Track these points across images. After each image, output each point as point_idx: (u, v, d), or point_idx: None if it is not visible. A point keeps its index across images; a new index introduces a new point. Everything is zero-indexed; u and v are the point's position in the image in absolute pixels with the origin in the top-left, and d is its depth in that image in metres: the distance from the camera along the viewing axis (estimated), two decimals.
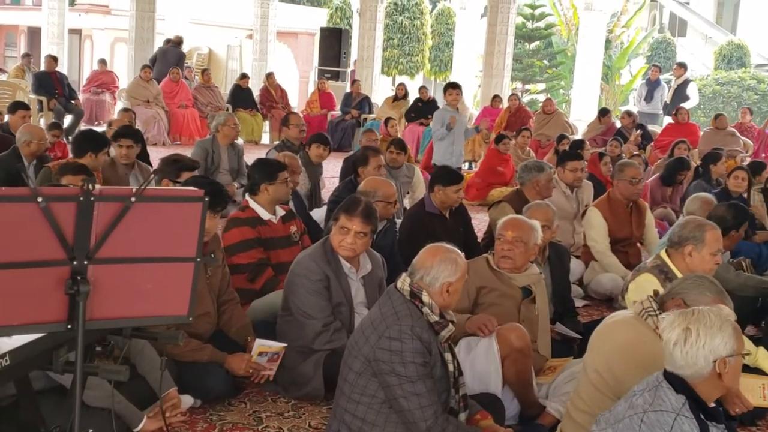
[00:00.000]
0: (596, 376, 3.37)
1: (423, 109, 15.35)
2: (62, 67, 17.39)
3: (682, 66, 16.74)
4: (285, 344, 4.23)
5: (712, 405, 2.78)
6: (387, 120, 12.03)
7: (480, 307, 4.32)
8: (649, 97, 16.16)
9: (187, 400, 4.00)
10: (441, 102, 17.25)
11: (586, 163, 9.25)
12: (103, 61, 18.05)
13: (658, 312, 3.33)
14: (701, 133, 13.43)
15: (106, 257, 2.21)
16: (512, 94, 16.60)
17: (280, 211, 5.33)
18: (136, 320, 2.37)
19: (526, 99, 24.66)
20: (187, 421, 3.90)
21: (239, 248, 5.04)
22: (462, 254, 3.42)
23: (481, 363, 3.97)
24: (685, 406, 2.69)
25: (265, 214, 5.20)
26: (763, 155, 12.75)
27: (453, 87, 10.70)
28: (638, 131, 13.09)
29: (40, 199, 2.10)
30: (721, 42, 30.31)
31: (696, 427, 2.66)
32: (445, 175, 6.11)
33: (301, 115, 10.90)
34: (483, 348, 3.98)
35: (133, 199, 2.19)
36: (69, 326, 2.25)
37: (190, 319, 2.39)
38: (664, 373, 2.79)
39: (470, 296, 4.29)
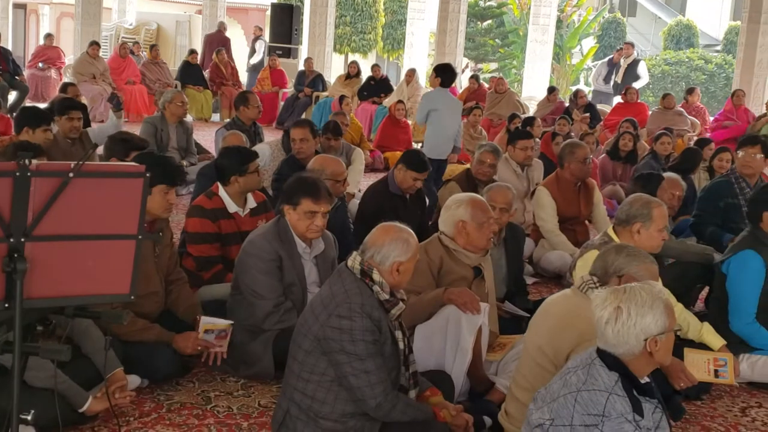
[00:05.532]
0: (537, 352, 3.40)
1: (375, 88, 15.31)
2: (7, 43, 17.03)
3: (631, 45, 16.92)
4: (231, 321, 4.19)
5: (645, 380, 2.81)
6: (341, 98, 11.94)
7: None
8: (608, 78, 16.32)
9: (134, 381, 3.95)
10: (394, 81, 17.27)
11: (538, 141, 9.31)
12: (49, 36, 17.68)
13: (598, 285, 3.38)
14: (650, 112, 13.59)
15: (44, 234, 2.15)
16: (472, 76, 16.66)
17: (252, 202, 5.12)
18: (77, 299, 2.32)
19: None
20: (133, 401, 3.84)
21: (194, 239, 4.94)
22: (414, 235, 3.41)
23: (459, 338, 3.96)
24: (618, 383, 2.72)
25: (232, 206, 5.00)
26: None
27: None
28: (586, 113, 13.21)
29: None
30: (670, 22, 30.70)
31: (628, 404, 2.69)
32: (412, 159, 6.08)
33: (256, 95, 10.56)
34: (466, 324, 3.97)
35: (71, 174, 2.13)
36: (6, 305, 2.19)
37: (132, 297, 2.34)
38: (597, 351, 2.81)
39: (434, 274, 4.27)
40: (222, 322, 4.17)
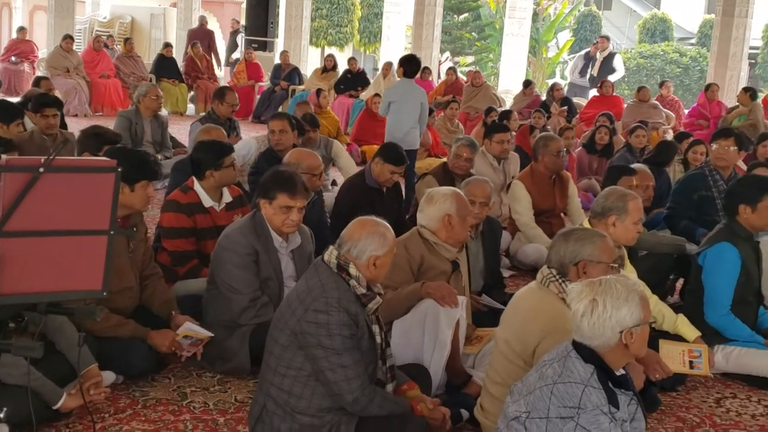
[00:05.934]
0: (505, 346, 3.42)
1: (352, 81, 15.27)
2: None
3: (606, 38, 17.01)
4: (212, 334, 4.14)
5: (620, 372, 2.83)
6: (318, 91, 11.90)
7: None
8: (585, 71, 16.39)
9: (109, 377, 3.91)
10: (370, 74, 17.26)
11: (513, 134, 9.33)
12: (22, 30, 17.49)
13: (558, 278, 3.39)
14: (625, 105, 13.67)
15: (15, 230, 2.12)
16: (450, 68, 16.68)
17: (227, 197, 5.08)
18: (49, 295, 2.28)
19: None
20: (108, 398, 3.81)
21: (169, 234, 4.90)
22: (391, 229, 3.40)
23: (437, 332, 3.95)
24: (594, 376, 2.73)
25: (207, 201, 4.96)
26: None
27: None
28: (563, 106, 13.25)
29: None
30: (645, 15, 30.87)
31: (604, 396, 2.70)
32: (389, 152, 6.04)
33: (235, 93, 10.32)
34: (445, 317, 3.96)
35: (41, 169, 2.10)
36: None
37: (105, 293, 2.31)
38: (573, 343, 2.82)
39: (413, 271, 4.25)
40: (203, 333, 4.13)
